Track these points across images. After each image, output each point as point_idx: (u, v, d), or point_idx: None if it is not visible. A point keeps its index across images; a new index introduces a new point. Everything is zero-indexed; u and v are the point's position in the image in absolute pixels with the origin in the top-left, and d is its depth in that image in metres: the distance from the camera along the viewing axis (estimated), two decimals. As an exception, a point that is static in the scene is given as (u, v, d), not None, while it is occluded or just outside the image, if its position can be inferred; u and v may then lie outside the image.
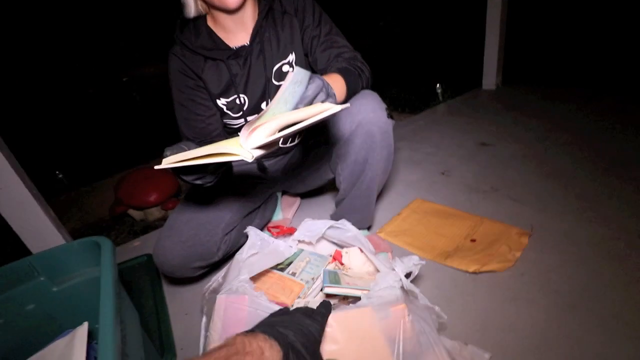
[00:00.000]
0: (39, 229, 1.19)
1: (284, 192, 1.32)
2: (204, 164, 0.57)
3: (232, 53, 0.88)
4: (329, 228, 0.85)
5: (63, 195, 2.00)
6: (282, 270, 0.85)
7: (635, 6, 2.42)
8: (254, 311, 0.64)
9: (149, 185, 1.49)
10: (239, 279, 0.69)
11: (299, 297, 0.79)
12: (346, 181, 0.94)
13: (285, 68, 0.92)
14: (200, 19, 0.89)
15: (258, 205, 1.09)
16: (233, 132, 0.99)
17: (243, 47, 0.89)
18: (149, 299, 0.98)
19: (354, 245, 0.84)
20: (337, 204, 1.04)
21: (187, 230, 0.89)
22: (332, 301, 0.76)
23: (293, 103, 0.59)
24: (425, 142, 1.71)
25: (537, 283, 0.86)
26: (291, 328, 0.45)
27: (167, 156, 0.61)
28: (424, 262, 0.69)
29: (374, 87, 0.90)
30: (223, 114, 0.95)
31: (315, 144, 1.07)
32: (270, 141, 0.54)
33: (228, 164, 0.83)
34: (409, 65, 3.34)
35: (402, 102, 2.51)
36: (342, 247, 0.89)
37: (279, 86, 0.90)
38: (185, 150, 0.62)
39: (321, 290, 0.72)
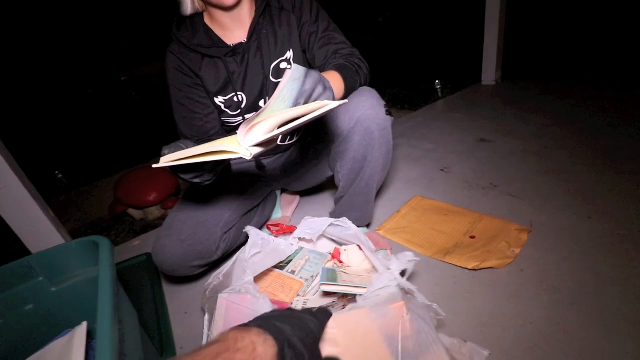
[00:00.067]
0: (38, 229, 1.19)
1: (283, 190, 1.32)
2: (202, 162, 0.57)
3: (230, 50, 0.87)
4: (329, 226, 0.85)
5: (62, 195, 2.00)
6: (281, 268, 0.86)
7: (634, 1, 2.41)
8: (255, 311, 0.64)
9: (148, 184, 1.49)
10: (243, 280, 0.70)
11: (298, 295, 0.79)
12: (345, 178, 0.94)
13: (283, 65, 0.91)
14: (197, 16, 0.88)
15: (257, 203, 1.08)
16: (231, 131, 0.99)
17: (240, 44, 0.88)
18: (149, 298, 0.98)
19: (353, 243, 0.84)
20: (337, 202, 1.04)
21: (186, 229, 0.89)
22: (332, 299, 0.76)
23: (291, 100, 0.58)
24: (425, 138, 1.71)
25: (536, 279, 0.86)
26: (289, 323, 0.43)
27: (165, 155, 0.61)
28: (418, 259, 0.69)
29: (372, 84, 0.90)
30: (221, 112, 0.94)
31: (313, 141, 1.06)
32: (269, 138, 0.54)
33: (226, 162, 0.82)
34: (408, 62, 3.33)
35: (401, 98, 2.51)
36: (341, 244, 0.89)
37: (276, 84, 0.90)
38: (183, 149, 0.62)
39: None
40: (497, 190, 1.22)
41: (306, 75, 0.59)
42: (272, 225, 1.15)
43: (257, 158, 1.08)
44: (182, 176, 0.68)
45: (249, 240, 0.83)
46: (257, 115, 0.55)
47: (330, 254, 0.88)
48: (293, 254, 0.89)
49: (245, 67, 0.89)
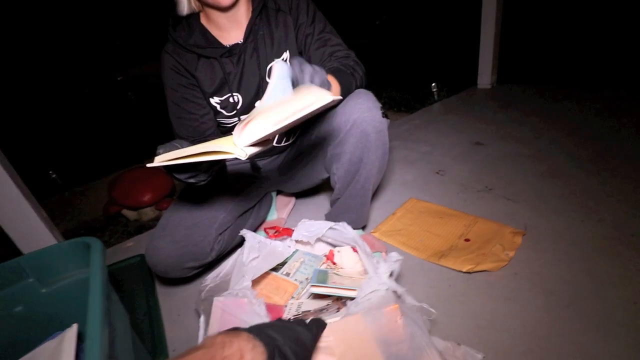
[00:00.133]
0: (30, 230, 1.18)
1: (279, 192, 1.31)
2: (197, 162, 0.56)
3: (226, 51, 0.87)
4: (328, 229, 0.85)
5: (56, 196, 1.98)
6: (276, 270, 0.85)
7: (630, 4, 2.44)
8: (249, 317, 0.63)
9: (143, 185, 1.48)
10: (242, 285, 0.70)
11: (292, 297, 0.78)
12: (341, 181, 0.94)
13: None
14: (194, 16, 0.88)
15: (252, 204, 1.08)
16: (227, 132, 0.98)
17: (237, 45, 0.88)
18: (142, 300, 0.97)
19: (347, 245, 0.84)
20: (332, 204, 1.03)
21: (180, 230, 0.88)
22: (326, 302, 0.75)
23: (283, 98, 0.59)
24: (421, 141, 1.71)
25: (530, 282, 0.86)
26: (281, 333, 0.42)
27: (160, 154, 0.60)
28: (402, 257, 0.69)
29: (369, 86, 0.90)
30: (216, 113, 0.94)
31: (309, 143, 1.06)
32: (264, 137, 0.54)
33: (222, 163, 0.82)
34: (404, 64, 3.34)
35: (397, 101, 2.52)
36: (336, 247, 0.88)
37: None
38: (178, 149, 0.62)
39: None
40: (492, 193, 1.23)
41: (293, 65, 0.60)
42: (269, 228, 1.15)
43: (252, 159, 1.07)
44: (177, 176, 0.67)
45: (246, 244, 0.82)
46: (251, 116, 0.55)
47: (325, 256, 0.87)
48: (289, 256, 0.88)
49: (242, 67, 0.89)
